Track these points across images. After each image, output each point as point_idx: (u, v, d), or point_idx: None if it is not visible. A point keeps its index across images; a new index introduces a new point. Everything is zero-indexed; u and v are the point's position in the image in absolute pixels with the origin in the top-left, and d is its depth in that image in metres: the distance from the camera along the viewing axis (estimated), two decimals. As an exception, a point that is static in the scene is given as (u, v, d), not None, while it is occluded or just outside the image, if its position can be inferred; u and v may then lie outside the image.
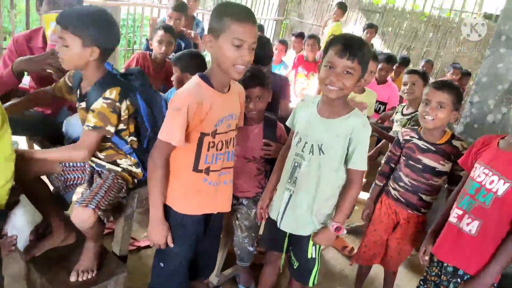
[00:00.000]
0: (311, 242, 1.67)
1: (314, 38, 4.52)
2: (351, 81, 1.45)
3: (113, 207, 1.66)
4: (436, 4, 7.09)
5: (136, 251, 2.43)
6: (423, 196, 1.92)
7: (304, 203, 1.61)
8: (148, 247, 2.47)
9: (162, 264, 1.60)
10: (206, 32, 1.52)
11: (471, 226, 1.54)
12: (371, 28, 5.57)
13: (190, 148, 1.45)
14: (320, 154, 1.55)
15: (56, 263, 1.70)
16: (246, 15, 1.36)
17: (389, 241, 2.06)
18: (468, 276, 1.55)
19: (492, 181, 1.50)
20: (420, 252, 1.76)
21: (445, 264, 1.64)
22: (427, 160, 1.88)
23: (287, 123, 1.74)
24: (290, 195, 1.64)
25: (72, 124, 1.98)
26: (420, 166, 1.89)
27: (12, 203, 1.98)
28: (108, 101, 1.53)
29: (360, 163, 1.53)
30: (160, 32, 2.79)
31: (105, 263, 1.72)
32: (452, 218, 1.61)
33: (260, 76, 1.94)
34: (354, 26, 7.23)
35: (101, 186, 1.59)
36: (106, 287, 1.69)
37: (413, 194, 1.93)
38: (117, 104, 1.55)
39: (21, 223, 1.92)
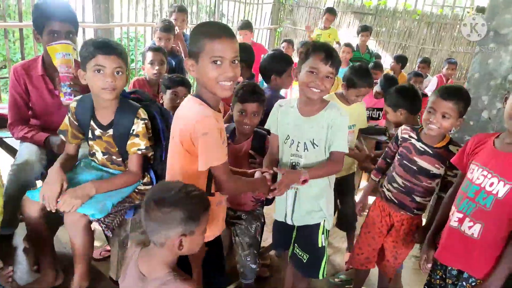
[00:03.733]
0: (320, 230, 1.79)
1: None
2: (330, 84, 1.65)
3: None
4: (428, 1, 7.08)
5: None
6: (416, 198, 1.89)
7: (310, 195, 1.75)
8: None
9: None
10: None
11: (473, 230, 1.50)
12: (366, 31, 5.47)
13: (204, 172, 1.41)
14: (314, 148, 1.70)
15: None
16: (219, 31, 1.33)
17: (384, 244, 2.04)
18: (474, 279, 1.51)
19: (492, 183, 1.45)
20: (420, 260, 1.72)
21: (449, 268, 1.60)
22: (422, 163, 1.84)
23: (268, 126, 1.85)
24: (295, 192, 1.76)
25: None
26: (415, 168, 1.86)
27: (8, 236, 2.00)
28: (146, 121, 1.67)
29: (340, 145, 1.67)
30: (149, 54, 2.81)
31: (103, 289, 1.73)
32: (453, 222, 1.57)
33: (259, 93, 2.01)
34: (348, 29, 7.24)
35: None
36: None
37: (406, 195, 1.90)
38: (148, 122, 1.69)
39: (19, 254, 1.93)
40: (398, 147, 1.98)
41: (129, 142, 1.65)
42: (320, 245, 1.79)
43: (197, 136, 1.31)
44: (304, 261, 1.81)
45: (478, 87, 2.46)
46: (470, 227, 1.51)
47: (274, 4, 8.07)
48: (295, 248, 1.85)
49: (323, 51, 1.60)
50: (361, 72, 2.38)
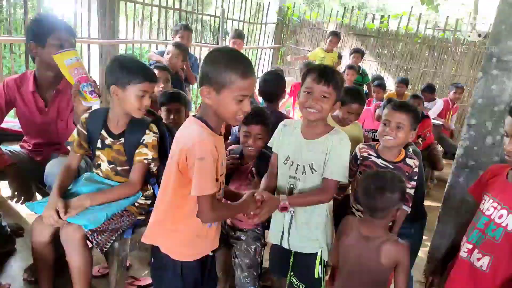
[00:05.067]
0: (318, 261, 1.74)
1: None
2: (328, 104, 1.60)
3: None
4: (430, 25, 7.18)
5: (136, 291, 2.36)
6: None
7: (307, 221, 1.71)
8: (149, 285, 2.41)
9: None
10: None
11: (481, 262, 1.48)
12: (357, 53, 5.69)
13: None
14: (312, 173, 1.67)
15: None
16: (250, 71, 1.33)
17: None
18: None
19: (501, 215, 1.44)
20: (426, 284, 1.69)
21: None
22: None
23: (270, 144, 1.82)
24: (291, 216, 1.73)
25: (54, 174, 1.96)
26: None
27: (6, 253, 1.97)
28: (157, 135, 1.74)
29: (334, 172, 1.63)
30: (155, 71, 2.84)
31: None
32: (463, 253, 1.55)
33: (262, 115, 2.01)
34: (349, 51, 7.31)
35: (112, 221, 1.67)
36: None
37: None
38: (158, 137, 1.76)
39: (16, 269, 1.89)
40: (358, 166, 1.99)
41: (136, 151, 1.71)
42: (317, 276, 1.75)
43: (192, 159, 1.30)
44: None
45: (482, 112, 2.45)
46: (478, 259, 1.48)
47: (277, 24, 8.19)
48: (291, 277, 1.81)
49: (317, 71, 1.60)
50: (350, 90, 2.56)
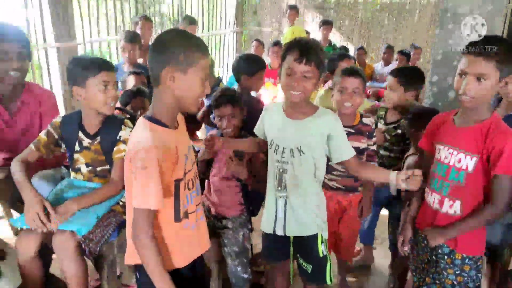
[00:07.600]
0: (319, 240, 1.71)
1: (279, 45, 4.48)
2: (311, 84, 1.53)
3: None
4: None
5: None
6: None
7: (301, 204, 1.65)
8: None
9: None
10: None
11: (454, 208, 1.56)
12: (327, 24, 5.63)
13: (168, 200, 1.31)
14: (300, 155, 1.59)
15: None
16: (207, 50, 1.31)
17: (340, 230, 2.09)
18: (454, 252, 1.56)
19: (460, 160, 1.52)
20: (398, 243, 1.76)
21: (443, 246, 1.59)
22: (352, 143, 1.87)
23: (255, 130, 1.78)
24: (285, 201, 1.66)
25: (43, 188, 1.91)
26: None
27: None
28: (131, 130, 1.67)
29: (350, 152, 1.62)
30: (131, 77, 2.78)
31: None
32: (436, 205, 1.61)
33: (230, 94, 2.00)
34: (311, 25, 7.34)
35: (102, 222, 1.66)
36: None
37: (349, 177, 1.99)
38: None
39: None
40: None
41: (115, 149, 1.68)
42: (321, 255, 1.72)
43: (135, 167, 1.22)
44: (309, 272, 1.75)
45: (442, 68, 2.55)
46: (451, 206, 1.57)
47: (237, 5, 8.05)
48: (299, 259, 1.78)
49: (296, 49, 1.50)
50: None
